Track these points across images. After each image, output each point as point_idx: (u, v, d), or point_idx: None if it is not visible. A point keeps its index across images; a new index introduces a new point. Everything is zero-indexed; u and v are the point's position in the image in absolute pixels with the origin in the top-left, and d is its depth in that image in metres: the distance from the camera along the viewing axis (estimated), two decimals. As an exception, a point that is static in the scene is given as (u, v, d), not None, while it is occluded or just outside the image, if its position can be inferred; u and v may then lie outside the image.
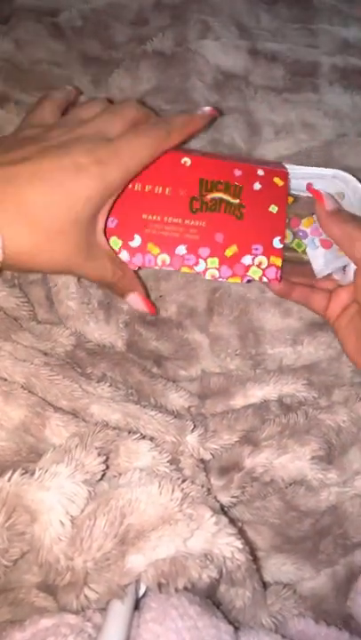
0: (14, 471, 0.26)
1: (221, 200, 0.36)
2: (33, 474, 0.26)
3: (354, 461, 0.35)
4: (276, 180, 0.37)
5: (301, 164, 0.39)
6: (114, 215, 0.34)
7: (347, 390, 0.37)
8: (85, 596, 0.25)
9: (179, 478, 0.29)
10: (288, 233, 0.38)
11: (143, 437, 0.31)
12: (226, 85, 0.49)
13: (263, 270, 0.36)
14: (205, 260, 0.36)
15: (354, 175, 0.38)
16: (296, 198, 0.39)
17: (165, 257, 0.36)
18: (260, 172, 0.36)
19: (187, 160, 0.36)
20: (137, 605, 0.26)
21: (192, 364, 0.40)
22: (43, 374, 0.32)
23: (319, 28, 0.57)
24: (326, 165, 0.38)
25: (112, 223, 0.35)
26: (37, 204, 0.28)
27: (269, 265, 0.36)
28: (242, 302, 0.40)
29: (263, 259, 0.36)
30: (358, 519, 0.34)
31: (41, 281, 0.39)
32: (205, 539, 0.26)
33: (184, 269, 0.36)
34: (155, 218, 0.35)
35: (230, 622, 0.26)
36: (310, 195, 0.37)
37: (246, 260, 0.36)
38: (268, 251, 0.36)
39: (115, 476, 0.29)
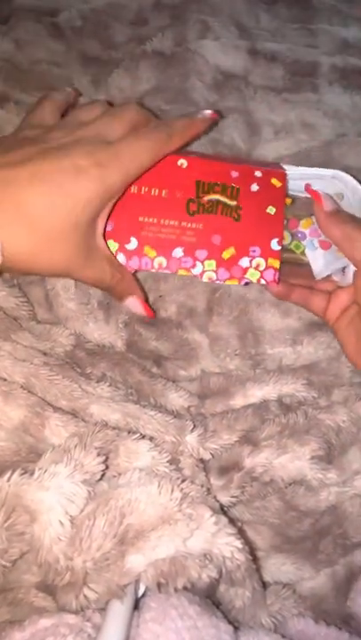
0: (13, 471, 0.26)
1: (218, 202, 0.36)
2: (32, 474, 0.26)
3: (353, 461, 0.35)
4: (274, 181, 0.36)
5: (301, 164, 0.38)
6: (110, 218, 0.34)
7: (346, 390, 0.37)
8: (85, 596, 0.25)
9: (178, 478, 0.29)
10: (286, 234, 0.38)
11: (143, 437, 0.31)
12: (225, 85, 0.49)
13: (261, 272, 0.36)
14: (202, 262, 0.36)
15: (353, 175, 0.37)
16: (295, 199, 0.38)
17: (162, 260, 0.35)
18: (258, 174, 0.36)
19: (183, 162, 0.36)
20: (136, 605, 0.26)
21: (192, 363, 0.40)
22: (42, 374, 0.32)
23: (319, 27, 0.57)
24: (326, 165, 0.38)
25: (108, 226, 0.35)
26: (37, 206, 0.28)
27: (267, 267, 0.36)
28: (241, 302, 0.40)
29: (261, 261, 0.36)
30: (358, 519, 0.34)
31: (40, 281, 0.39)
32: (205, 538, 0.26)
33: (181, 272, 0.36)
34: (151, 220, 0.35)
35: (230, 622, 0.26)
36: (309, 195, 0.37)
37: (244, 262, 0.36)
38: (266, 253, 0.36)
39: (114, 476, 0.29)
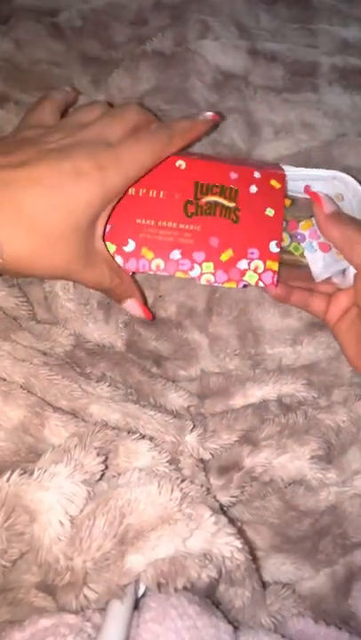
0: (13, 471, 0.26)
1: (217, 203, 0.35)
2: (32, 474, 0.26)
3: (353, 461, 0.35)
4: (273, 182, 0.36)
5: (301, 164, 0.38)
6: (107, 220, 0.34)
7: (346, 390, 0.37)
8: (85, 596, 0.25)
9: (178, 478, 0.29)
10: (285, 236, 0.37)
11: (142, 437, 0.31)
12: (225, 85, 0.49)
13: (259, 275, 0.35)
14: (200, 264, 0.35)
15: (353, 176, 0.37)
16: (294, 200, 0.38)
17: (160, 262, 0.35)
18: (257, 175, 0.36)
19: (181, 163, 0.35)
20: (136, 605, 0.26)
21: (191, 363, 0.40)
22: (42, 374, 0.32)
23: (319, 27, 0.57)
24: (326, 165, 0.38)
25: (106, 228, 0.35)
26: (37, 209, 0.28)
27: (266, 269, 0.36)
28: (241, 302, 0.40)
29: (259, 263, 0.35)
30: (358, 519, 0.34)
31: (40, 281, 0.39)
32: (205, 538, 0.26)
33: (179, 274, 0.35)
34: (149, 222, 0.35)
35: (230, 622, 0.26)
36: (309, 197, 0.37)
37: (242, 264, 0.35)
38: (265, 255, 0.36)
39: (114, 476, 0.29)
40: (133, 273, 0.36)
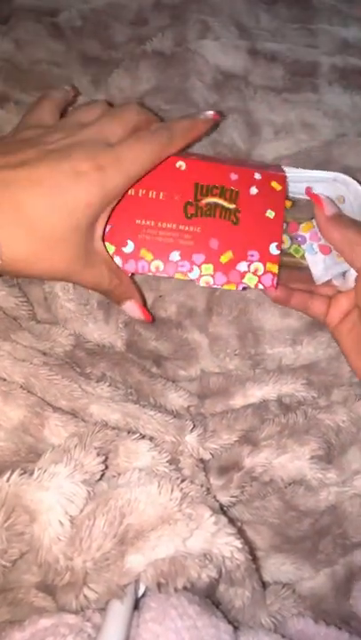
0: (13, 471, 0.26)
1: (217, 205, 0.35)
2: (32, 474, 0.26)
3: (353, 461, 0.35)
4: (274, 184, 0.36)
5: (301, 164, 0.38)
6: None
7: (346, 390, 0.37)
8: (85, 596, 0.25)
9: (178, 478, 0.29)
10: (286, 238, 0.37)
11: (142, 437, 0.31)
12: (225, 85, 0.49)
13: (259, 277, 0.35)
14: (200, 266, 0.35)
15: (353, 176, 0.37)
16: (295, 202, 0.38)
17: (159, 263, 0.35)
18: (258, 176, 0.36)
19: (181, 164, 0.35)
20: (136, 605, 0.26)
21: (191, 363, 0.40)
22: (42, 374, 0.32)
23: (319, 27, 0.57)
24: (326, 165, 0.38)
25: (105, 228, 0.34)
26: (37, 210, 0.28)
27: (265, 272, 0.35)
28: (241, 302, 0.39)
29: (259, 265, 0.35)
30: (358, 519, 0.34)
31: (40, 281, 0.39)
32: (205, 538, 0.26)
33: (178, 276, 0.35)
34: (148, 223, 0.35)
35: (230, 622, 0.26)
36: (310, 198, 0.37)
37: (242, 266, 0.35)
38: (265, 257, 0.35)
39: (114, 476, 0.29)
40: (132, 274, 0.35)
